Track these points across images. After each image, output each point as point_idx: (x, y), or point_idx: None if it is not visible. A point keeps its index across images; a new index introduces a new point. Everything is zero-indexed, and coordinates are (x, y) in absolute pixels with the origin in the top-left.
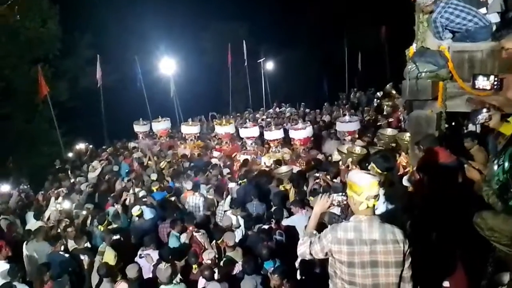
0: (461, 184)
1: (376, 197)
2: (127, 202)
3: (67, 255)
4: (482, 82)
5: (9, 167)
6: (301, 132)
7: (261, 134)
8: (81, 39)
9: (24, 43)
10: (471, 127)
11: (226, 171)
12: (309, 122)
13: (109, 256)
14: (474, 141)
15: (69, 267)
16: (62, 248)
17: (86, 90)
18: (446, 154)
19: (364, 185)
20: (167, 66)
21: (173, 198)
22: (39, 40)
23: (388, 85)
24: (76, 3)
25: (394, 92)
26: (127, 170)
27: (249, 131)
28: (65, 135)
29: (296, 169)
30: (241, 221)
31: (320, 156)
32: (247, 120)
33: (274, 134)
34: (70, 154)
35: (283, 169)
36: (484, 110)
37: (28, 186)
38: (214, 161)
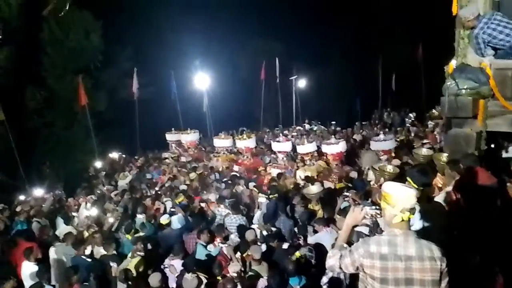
0: (503, 206)
1: (412, 210)
2: (161, 211)
3: (89, 259)
4: None
5: (45, 171)
6: (334, 147)
7: (294, 149)
8: (121, 52)
9: (68, 54)
10: (511, 150)
11: (251, 184)
12: (342, 138)
13: (135, 263)
14: None
15: (92, 272)
16: (86, 252)
17: (123, 101)
18: (486, 175)
19: (399, 197)
20: (202, 81)
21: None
22: (82, 51)
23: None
24: (118, 18)
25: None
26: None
27: (282, 146)
28: (101, 144)
29: (327, 184)
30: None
31: (353, 174)
32: (280, 134)
33: (307, 148)
34: (99, 164)
35: (313, 189)
36: None
37: (63, 191)
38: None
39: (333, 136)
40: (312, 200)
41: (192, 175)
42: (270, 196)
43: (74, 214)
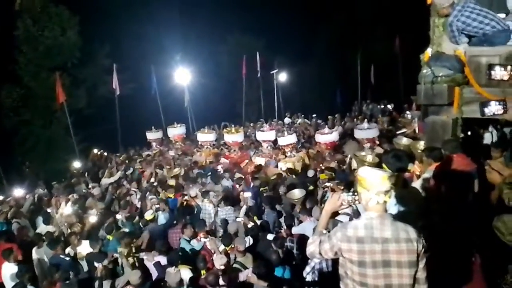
0: (481, 191)
1: (387, 193)
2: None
3: (67, 258)
4: (500, 73)
5: (25, 171)
6: (328, 136)
7: (275, 141)
8: (100, 49)
9: (44, 51)
10: (487, 136)
11: (238, 176)
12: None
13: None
14: (500, 151)
15: (73, 271)
16: (75, 250)
17: (103, 98)
18: (467, 161)
19: (373, 180)
20: (182, 76)
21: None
22: (59, 48)
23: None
24: (95, 14)
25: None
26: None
27: (266, 135)
28: (81, 142)
29: (311, 172)
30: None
31: (333, 164)
32: (265, 125)
33: (287, 139)
34: (78, 163)
35: (296, 194)
36: (494, 102)
37: (44, 190)
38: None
39: (326, 126)
40: (295, 204)
41: (176, 170)
42: (261, 189)
43: (54, 213)
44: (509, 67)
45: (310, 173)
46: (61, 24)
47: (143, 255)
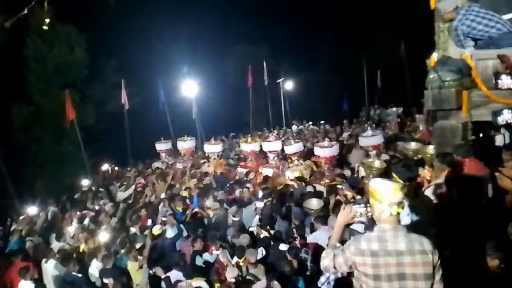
0: (494, 196)
1: (400, 204)
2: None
3: (79, 275)
4: (507, 81)
5: (37, 187)
6: (327, 150)
7: (282, 150)
8: (107, 65)
9: (53, 69)
10: (499, 138)
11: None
12: (335, 141)
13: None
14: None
15: (83, 287)
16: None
17: (111, 113)
18: (480, 165)
19: (386, 192)
20: (190, 88)
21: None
22: (67, 66)
23: None
24: (102, 30)
25: None
26: None
27: (272, 145)
28: (91, 157)
29: (319, 188)
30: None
31: (346, 172)
32: (271, 135)
33: (293, 148)
34: (87, 179)
35: (314, 204)
36: (506, 111)
37: (57, 207)
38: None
39: (327, 138)
40: (311, 215)
41: (192, 181)
42: (264, 201)
43: (67, 229)
44: None
45: (309, 189)
46: (69, 42)
47: (155, 269)
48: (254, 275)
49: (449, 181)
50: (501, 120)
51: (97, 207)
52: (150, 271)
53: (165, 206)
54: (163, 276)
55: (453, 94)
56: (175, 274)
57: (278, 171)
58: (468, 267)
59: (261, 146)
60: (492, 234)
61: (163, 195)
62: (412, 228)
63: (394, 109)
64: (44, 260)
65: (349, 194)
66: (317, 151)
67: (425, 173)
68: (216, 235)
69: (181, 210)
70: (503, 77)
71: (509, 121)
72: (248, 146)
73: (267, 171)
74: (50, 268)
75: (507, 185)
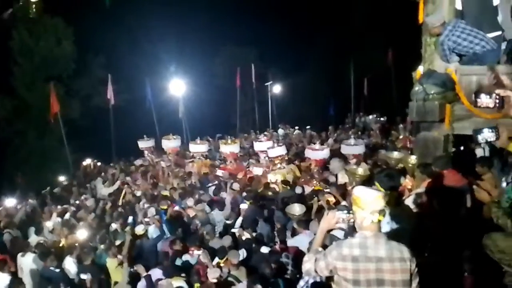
0: (472, 208)
1: (381, 212)
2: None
3: (57, 270)
4: (485, 100)
5: (17, 181)
6: (318, 153)
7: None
8: (94, 60)
9: (39, 62)
10: (479, 151)
11: (236, 186)
12: (326, 144)
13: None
14: (485, 167)
15: (61, 283)
16: (69, 262)
17: (97, 109)
18: (458, 177)
19: (368, 199)
20: (177, 87)
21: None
22: (53, 59)
23: None
24: (90, 25)
25: None
26: None
27: (263, 145)
28: (74, 152)
29: (308, 189)
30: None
31: (331, 178)
32: (262, 135)
33: (276, 151)
34: (62, 178)
35: (297, 210)
36: (486, 129)
37: (36, 201)
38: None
39: (318, 142)
40: (293, 220)
41: (174, 181)
42: (248, 203)
43: (46, 224)
44: (494, 95)
45: (298, 190)
46: (56, 35)
47: (136, 267)
48: (236, 277)
49: (429, 191)
50: (481, 138)
51: (77, 202)
52: (131, 269)
53: (144, 204)
54: (144, 274)
55: (437, 107)
56: (156, 273)
57: (268, 170)
58: (444, 276)
59: (247, 146)
60: (468, 245)
61: (139, 193)
62: (391, 236)
63: (371, 116)
64: (20, 253)
65: (332, 199)
66: (308, 153)
67: (406, 182)
68: (197, 237)
69: (166, 209)
70: (482, 96)
71: (489, 140)
72: (227, 148)
73: (258, 170)
74: (27, 262)
75: (484, 197)
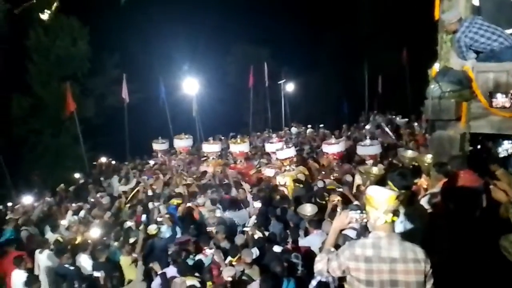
0: (488, 208)
1: (395, 212)
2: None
3: (72, 267)
4: (501, 99)
5: (34, 179)
6: (335, 147)
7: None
8: (109, 59)
9: (55, 61)
10: (502, 151)
11: (247, 187)
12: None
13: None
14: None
15: (76, 280)
16: (82, 259)
17: (111, 107)
18: (474, 177)
19: (381, 199)
20: (190, 86)
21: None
22: (69, 58)
23: None
24: (105, 25)
25: None
26: None
27: (275, 146)
28: (89, 151)
29: (328, 181)
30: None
31: (348, 178)
32: (273, 136)
33: (285, 153)
34: (77, 175)
35: (308, 210)
36: (506, 142)
37: (52, 198)
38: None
39: (333, 136)
40: (305, 220)
41: (190, 180)
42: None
43: (61, 221)
44: (510, 94)
45: (320, 184)
46: (72, 35)
47: (152, 265)
48: (249, 275)
49: (444, 192)
50: (501, 150)
51: (93, 200)
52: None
53: (154, 203)
54: (159, 272)
55: (453, 105)
56: (171, 271)
57: (280, 171)
58: (460, 277)
59: (259, 145)
60: (484, 246)
61: (156, 191)
62: (404, 236)
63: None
64: (38, 250)
65: (339, 199)
66: (325, 148)
67: (421, 181)
68: (209, 237)
69: (175, 204)
70: (498, 95)
71: (509, 151)
72: (237, 147)
73: (270, 172)
74: (43, 258)
75: (501, 197)
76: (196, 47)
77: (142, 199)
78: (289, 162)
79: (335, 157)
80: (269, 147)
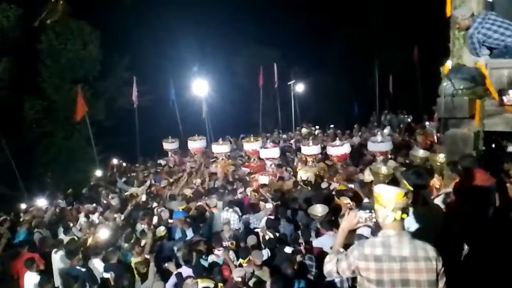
0: (502, 207)
1: (404, 210)
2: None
3: (83, 269)
4: None
5: (46, 181)
6: (339, 149)
7: (299, 149)
8: (120, 62)
9: (66, 64)
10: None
11: (249, 190)
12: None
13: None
14: None
15: (87, 282)
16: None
17: (122, 109)
18: (486, 176)
19: (389, 196)
20: (200, 87)
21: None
22: (80, 61)
23: None
24: (116, 28)
25: None
26: None
27: (269, 152)
28: (101, 153)
29: (333, 185)
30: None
31: (361, 176)
32: (268, 141)
33: (311, 149)
34: (98, 173)
35: (319, 210)
36: (511, 91)
37: (65, 200)
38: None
39: (337, 138)
40: (316, 220)
41: (198, 181)
42: (274, 203)
43: (73, 223)
44: None
45: (324, 185)
46: (82, 38)
47: (166, 264)
48: (259, 277)
49: (457, 191)
50: (506, 100)
51: (105, 202)
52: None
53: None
54: (175, 272)
55: (466, 102)
56: (186, 271)
57: (275, 179)
58: (473, 275)
59: (264, 147)
60: (497, 244)
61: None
62: (418, 236)
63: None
64: (54, 250)
65: (349, 201)
66: (330, 150)
67: (434, 181)
68: (221, 237)
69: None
70: (510, 92)
71: None
72: (250, 146)
73: (264, 179)
74: (57, 259)
75: None
76: (205, 49)
77: (149, 201)
78: (313, 159)
79: (339, 159)
80: (263, 153)
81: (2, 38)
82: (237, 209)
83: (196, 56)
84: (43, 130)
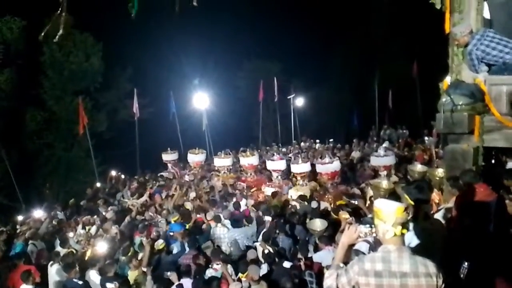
0: (503, 222)
1: (405, 225)
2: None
3: (80, 282)
4: None
5: (46, 192)
6: (328, 166)
7: (288, 167)
8: (121, 74)
9: (68, 76)
10: (511, 164)
11: (250, 202)
12: (337, 157)
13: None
14: None
15: None
16: (90, 273)
17: (123, 122)
18: (488, 191)
19: (390, 211)
20: (201, 100)
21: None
22: (82, 73)
23: None
24: (118, 40)
25: None
26: None
27: (276, 164)
28: (101, 165)
29: (323, 204)
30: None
31: (356, 191)
32: (274, 153)
33: (301, 167)
34: (98, 184)
35: (318, 225)
36: None
37: (63, 212)
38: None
39: (328, 154)
40: (315, 235)
41: (192, 194)
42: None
43: (71, 235)
44: None
45: (314, 205)
46: (85, 50)
47: (168, 273)
48: None
49: (458, 206)
50: None
51: (104, 214)
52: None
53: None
54: (176, 283)
55: (465, 118)
56: (187, 283)
57: (280, 191)
58: None
59: (263, 162)
60: (499, 261)
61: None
62: (420, 252)
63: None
64: (50, 263)
65: (347, 216)
66: (319, 167)
67: (433, 196)
68: (219, 250)
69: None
70: None
71: None
72: (246, 160)
73: (269, 190)
74: (53, 273)
75: None
76: (206, 62)
77: (149, 213)
78: (303, 177)
79: (328, 177)
80: (270, 165)
81: (5, 49)
82: (226, 222)
83: (197, 69)
84: (43, 141)
